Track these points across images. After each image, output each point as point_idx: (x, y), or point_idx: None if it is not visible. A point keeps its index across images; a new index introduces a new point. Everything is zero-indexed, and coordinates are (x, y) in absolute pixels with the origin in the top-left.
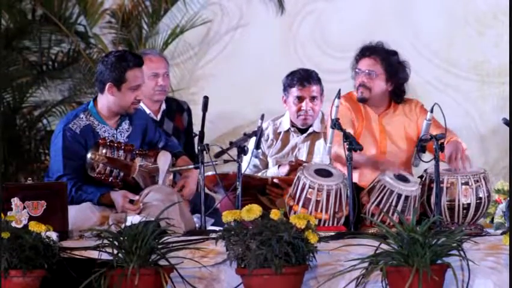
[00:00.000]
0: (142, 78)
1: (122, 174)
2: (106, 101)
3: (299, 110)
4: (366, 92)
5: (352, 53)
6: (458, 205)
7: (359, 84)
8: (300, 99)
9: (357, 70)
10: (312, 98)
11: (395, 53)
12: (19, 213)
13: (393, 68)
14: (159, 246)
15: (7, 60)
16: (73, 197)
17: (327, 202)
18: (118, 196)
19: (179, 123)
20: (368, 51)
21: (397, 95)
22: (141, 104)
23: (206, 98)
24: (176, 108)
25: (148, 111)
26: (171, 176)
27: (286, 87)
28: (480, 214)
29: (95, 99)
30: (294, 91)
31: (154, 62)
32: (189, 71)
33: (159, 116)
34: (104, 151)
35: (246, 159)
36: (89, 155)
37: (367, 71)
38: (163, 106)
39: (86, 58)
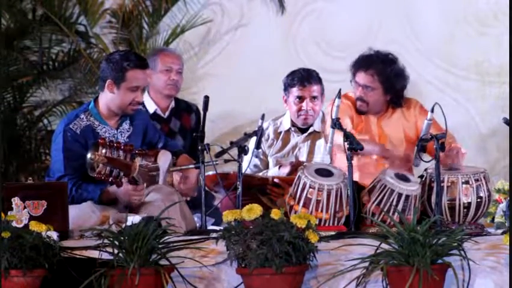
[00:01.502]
0: (143, 80)
1: (122, 174)
2: (105, 99)
3: (300, 109)
4: (363, 106)
5: (352, 52)
6: (459, 204)
7: (357, 97)
8: (301, 99)
9: (355, 82)
10: (313, 98)
11: (392, 63)
12: (20, 213)
13: (390, 80)
14: (160, 246)
15: (7, 60)
16: (74, 197)
17: (327, 202)
18: (120, 188)
19: (186, 123)
20: (365, 64)
21: (395, 101)
22: (150, 99)
23: (206, 98)
24: (184, 108)
25: (155, 107)
26: (172, 176)
27: (287, 86)
28: (480, 213)
29: (96, 100)
30: (295, 91)
31: (169, 57)
32: (190, 71)
33: (167, 114)
34: (103, 151)
35: (246, 158)
36: (88, 155)
37: (364, 86)
38: (172, 104)
39: (86, 58)
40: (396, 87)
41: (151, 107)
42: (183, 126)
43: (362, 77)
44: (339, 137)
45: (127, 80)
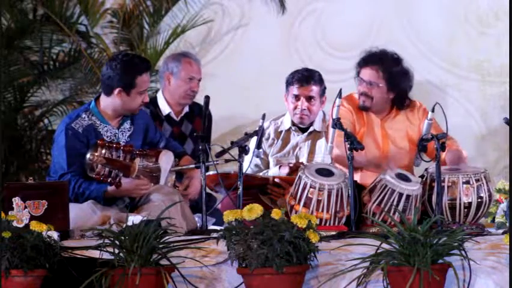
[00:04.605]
0: (149, 81)
1: (121, 174)
2: (112, 103)
3: (295, 108)
4: (368, 101)
5: (353, 52)
6: (459, 204)
7: (361, 93)
8: (297, 97)
9: (359, 78)
10: (309, 98)
11: (398, 62)
12: (20, 213)
13: (395, 78)
14: (160, 246)
15: (8, 59)
16: (76, 194)
17: (328, 202)
18: (126, 181)
19: (198, 127)
20: (370, 60)
21: (399, 102)
22: (164, 101)
23: (207, 98)
24: (197, 112)
25: (169, 110)
26: (173, 176)
27: (288, 84)
28: (481, 213)
29: (96, 99)
30: (293, 89)
31: (192, 66)
32: None
33: (180, 117)
34: (102, 152)
35: (247, 158)
36: (87, 156)
37: (368, 81)
38: (186, 109)
39: (87, 58)
40: (401, 86)
41: (165, 109)
42: (194, 130)
43: (366, 73)
44: (337, 150)
45: (137, 85)
